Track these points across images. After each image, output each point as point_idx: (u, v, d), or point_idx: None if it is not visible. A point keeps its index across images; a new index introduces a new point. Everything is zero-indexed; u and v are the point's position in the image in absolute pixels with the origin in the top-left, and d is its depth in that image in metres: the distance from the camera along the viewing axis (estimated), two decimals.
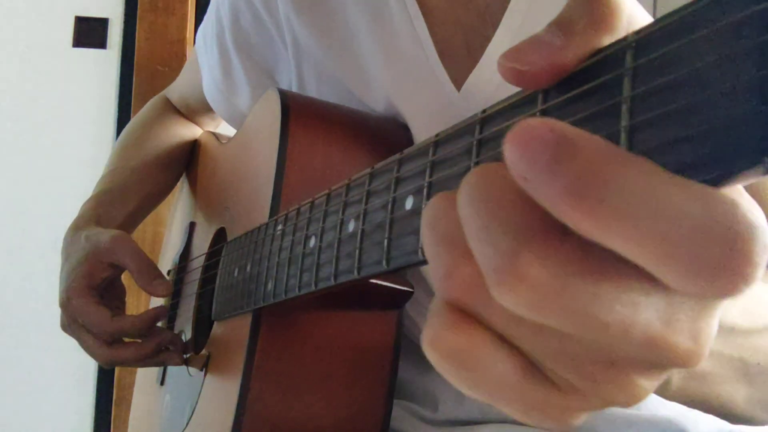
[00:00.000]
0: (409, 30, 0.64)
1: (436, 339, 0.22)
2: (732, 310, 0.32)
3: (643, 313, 0.20)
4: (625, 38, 0.23)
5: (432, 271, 0.23)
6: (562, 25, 0.23)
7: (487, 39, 0.60)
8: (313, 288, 0.44)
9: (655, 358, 0.21)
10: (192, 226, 0.85)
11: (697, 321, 0.21)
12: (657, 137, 0.20)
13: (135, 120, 0.97)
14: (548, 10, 0.58)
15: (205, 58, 0.82)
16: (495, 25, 0.60)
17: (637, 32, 0.22)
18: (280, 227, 0.52)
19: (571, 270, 0.20)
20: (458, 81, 0.62)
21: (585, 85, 0.24)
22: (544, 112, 0.25)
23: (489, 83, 0.60)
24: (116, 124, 1.93)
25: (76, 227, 0.78)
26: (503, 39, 0.59)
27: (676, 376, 0.37)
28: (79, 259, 0.72)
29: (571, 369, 0.22)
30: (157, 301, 0.90)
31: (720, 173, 0.19)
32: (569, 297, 0.20)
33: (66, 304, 0.71)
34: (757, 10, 0.18)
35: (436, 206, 0.23)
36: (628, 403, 0.22)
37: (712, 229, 0.18)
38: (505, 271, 0.20)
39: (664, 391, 0.38)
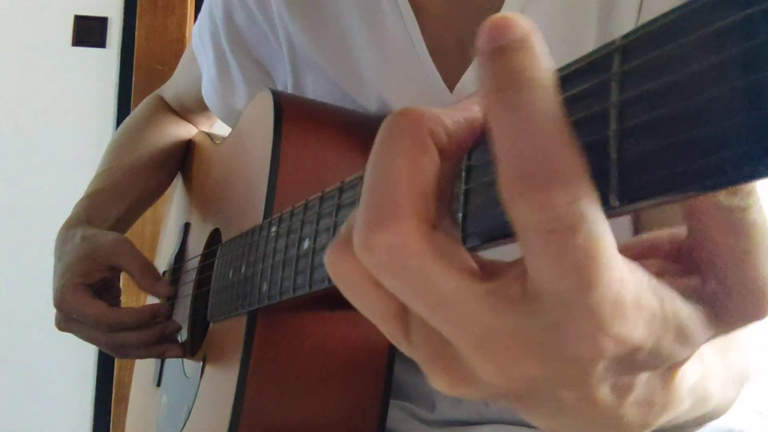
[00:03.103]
0: (400, 28, 0.63)
1: (336, 262, 0.25)
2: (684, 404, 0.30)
3: None
4: (612, 42, 0.22)
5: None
6: None
7: None
8: (307, 290, 0.44)
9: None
10: (187, 226, 0.85)
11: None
12: (647, 144, 0.20)
13: (129, 119, 0.96)
14: (543, 9, 0.58)
15: (203, 58, 0.82)
16: None
17: (625, 36, 0.22)
18: (273, 229, 0.52)
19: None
20: (451, 81, 0.61)
21: (572, 90, 0.23)
22: None
23: None
24: (115, 123, 1.92)
25: (69, 226, 0.78)
26: None
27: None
28: (75, 259, 0.72)
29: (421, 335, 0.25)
30: (152, 301, 0.90)
31: (711, 181, 0.18)
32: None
33: (60, 303, 0.71)
34: (744, 16, 0.18)
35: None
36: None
37: None
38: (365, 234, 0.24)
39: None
